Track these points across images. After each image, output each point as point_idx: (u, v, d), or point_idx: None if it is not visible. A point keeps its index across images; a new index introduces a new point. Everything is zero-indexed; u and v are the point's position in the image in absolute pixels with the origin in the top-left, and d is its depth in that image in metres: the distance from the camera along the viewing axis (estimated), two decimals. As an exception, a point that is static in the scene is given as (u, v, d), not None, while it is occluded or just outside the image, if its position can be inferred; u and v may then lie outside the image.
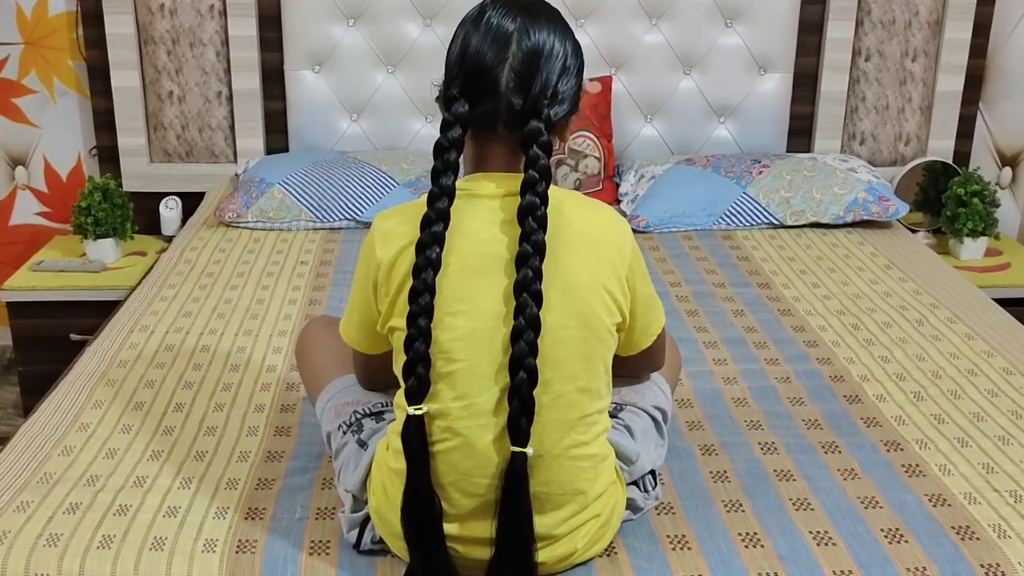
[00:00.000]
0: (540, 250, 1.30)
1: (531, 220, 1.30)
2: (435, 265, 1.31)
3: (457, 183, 1.34)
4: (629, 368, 1.58)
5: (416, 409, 1.33)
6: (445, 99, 1.35)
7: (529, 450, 1.31)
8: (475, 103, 1.32)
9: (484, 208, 1.36)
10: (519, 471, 1.32)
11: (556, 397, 1.35)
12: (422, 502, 1.35)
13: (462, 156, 1.35)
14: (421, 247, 1.31)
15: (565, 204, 1.36)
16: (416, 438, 1.34)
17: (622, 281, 1.41)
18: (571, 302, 1.34)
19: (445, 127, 1.33)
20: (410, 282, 1.32)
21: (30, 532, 1.52)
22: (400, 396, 1.37)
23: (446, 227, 1.32)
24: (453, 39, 1.38)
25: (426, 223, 1.32)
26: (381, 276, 1.39)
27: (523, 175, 1.31)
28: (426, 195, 1.34)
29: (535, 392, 1.31)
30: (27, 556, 1.47)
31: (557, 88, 1.34)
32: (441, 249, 1.32)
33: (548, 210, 1.31)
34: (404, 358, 1.34)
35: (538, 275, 1.29)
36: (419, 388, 1.33)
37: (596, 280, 1.37)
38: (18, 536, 1.51)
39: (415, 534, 1.37)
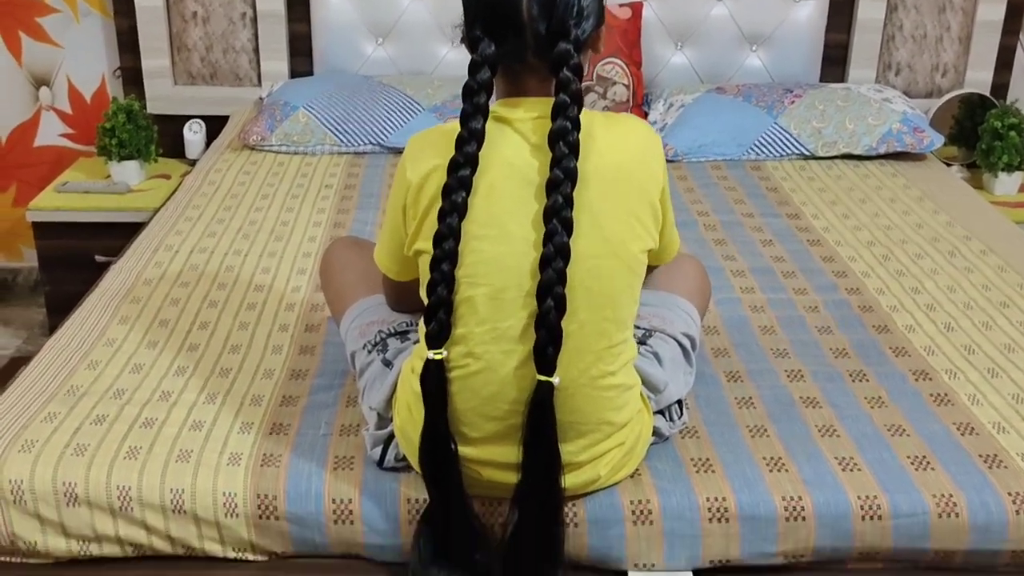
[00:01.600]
0: (571, 176, 1.27)
1: (562, 145, 1.27)
2: (467, 186, 1.29)
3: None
4: None
5: (436, 353, 1.33)
6: (470, 40, 1.31)
7: (555, 379, 1.30)
8: (500, 40, 1.29)
9: (514, 132, 1.33)
10: (545, 400, 1.31)
11: (582, 326, 1.33)
12: (439, 444, 1.35)
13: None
14: (453, 167, 1.29)
15: (595, 127, 1.33)
16: (435, 381, 1.33)
17: (655, 206, 1.39)
18: (601, 230, 1.32)
19: (473, 69, 1.29)
20: (438, 204, 1.30)
21: (57, 442, 1.53)
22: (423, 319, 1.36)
23: (479, 147, 1.29)
24: None
25: (457, 145, 1.29)
26: (410, 198, 1.37)
27: (554, 99, 1.28)
28: (458, 118, 1.31)
29: (562, 321, 1.29)
30: (55, 465, 1.48)
31: (580, 4, 1.30)
32: (474, 171, 1.30)
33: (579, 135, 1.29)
34: (429, 278, 1.32)
35: (568, 202, 1.27)
36: (439, 333, 1.32)
37: (627, 208, 1.35)
38: (46, 445, 1.52)
39: (432, 475, 1.37)
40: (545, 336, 1.29)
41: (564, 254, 1.27)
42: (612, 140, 1.35)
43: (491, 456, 1.39)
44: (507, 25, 1.28)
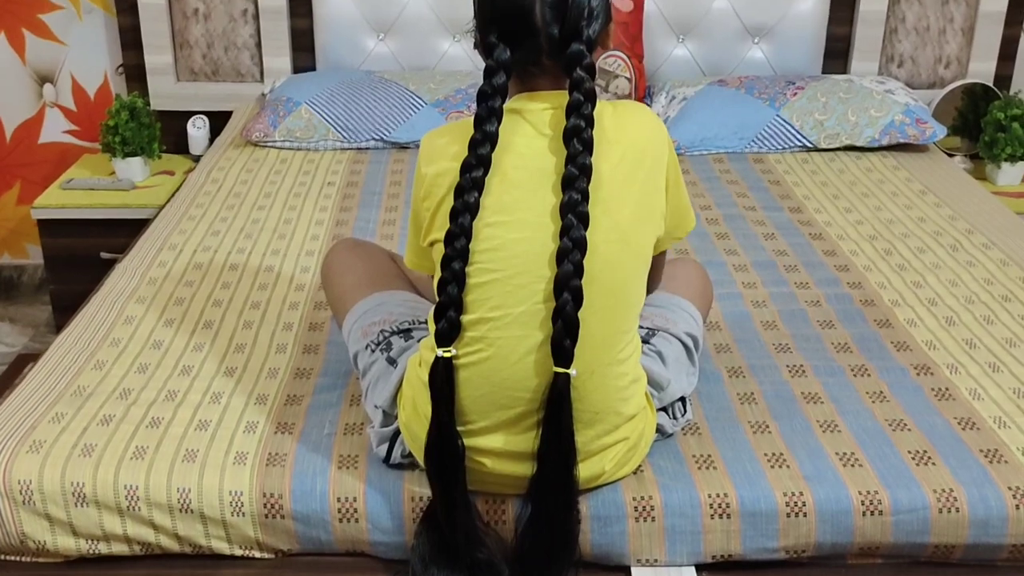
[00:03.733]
0: (587, 172, 1.30)
1: (576, 142, 1.30)
2: (479, 187, 1.32)
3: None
4: None
5: (445, 351, 1.34)
6: (485, 46, 1.34)
7: (572, 371, 1.32)
8: (515, 44, 1.32)
9: (527, 123, 1.36)
10: (562, 392, 1.32)
11: (595, 315, 1.34)
12: (445, 443, 1.37)
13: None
14: (467, 168, 1.32)
15: (604, 117, 1.35)
16: (443, 379, 1.35)
17: (662, 191, 1.41)
18: (612, 219, 1.34)
19: (489, 73, 1.32)
20: (451, 199, 1.32)
21: (65, 442, 1.54)
22: (432, 316, 1.37)
23: (493, 149, 1.32)
24: None
25: (471, 147, 1.32)
26: (425, 190, 1.40)
27: (568, 97, 1.31)
28: (473, 120, 1.34)
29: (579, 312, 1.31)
30: (63, 465, 1.50)
31: (591, 5, 1.33)
32: (486, 172, 1.32)
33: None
34: (440, 275, 1.34)
35: (584, 196, 1.30)
36: (449, 331, 1.34)
37: (638, 197, 1.37)
38: (54, 446, 1.53)
39: (438, 474, 1.38)
40: (562, 328, 1.30)
41: (581, 247, 1.30)
42: (620, 129, 1.37)
43: (499, 445, 1.40)
44: (521, 30, 1.32)
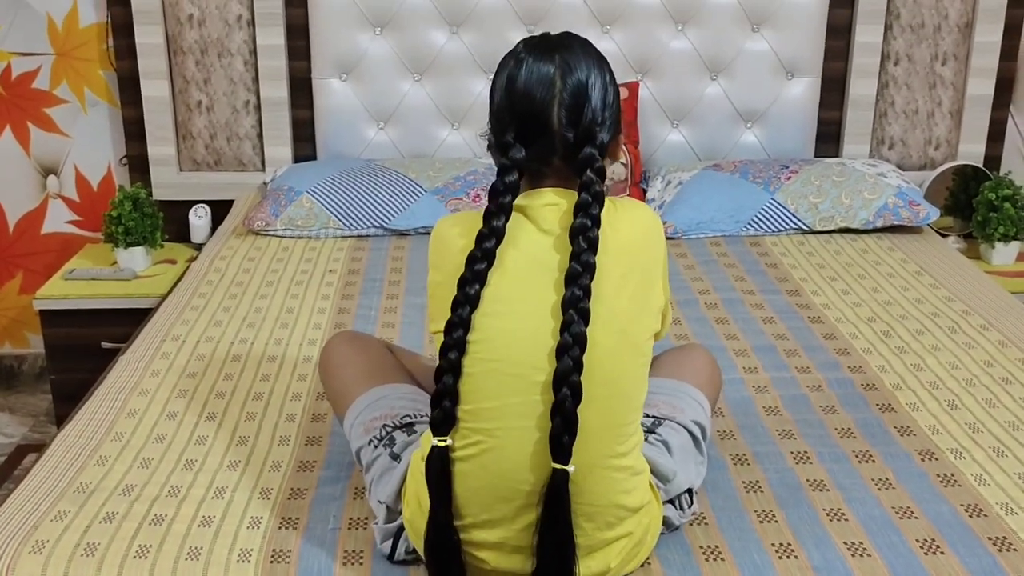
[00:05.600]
0: (590, 270, 1.32)
1: (582, 240, 1.33)
2: (481, 280, 1.35)
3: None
4: None
5: (440, 440, 1.35)
6: (500, 145, 1.39)
7: (571, 467, 1.31)
8: (530, 145, 1.37)
9: (527, 218, 1.39)
10: (560, 488, 1.32)
11: (595, 410, 1.34)
12: (443, 535, 1.37)
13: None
14: (471, 260, 1.34)
15: (605, 214, 1.37)
16: (439, 469, 1.35)
17: (658, 286, 1.43)
18: (614, 317, 1.35)
19: (503, 171, 1.36)
20: (455, 290, 1.35)
21: (68, 541, 1.53)
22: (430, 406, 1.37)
23: (498, 244, 1.35)
24: (494, 87, 1.43)
25: (478, 240, 1.35)
26: (434, 281, 1.43)
27: (576, 195, 1.35)
28: (482, 214, 1.37)
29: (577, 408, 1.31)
30: (65, 565, 1.48)
31: (604, 115, 1.39)
32: (490, 265, 1.35)
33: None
34: (437, 364, 1.35)
35: (587, 293, 1.31)
36: (444, 420, 1.35)
37: (636, 294, 1.39)
38: (56, 545, 1.52)
39: (437, 566, 1.38)
40: (561, 424, 1.30)
41: (581, 343, 1.31)
42: (620, 227, 1.39)
43: (499, 539, 1.39)
44: (538, 132, 1.37)
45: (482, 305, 1.35)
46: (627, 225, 1.40)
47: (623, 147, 3.11)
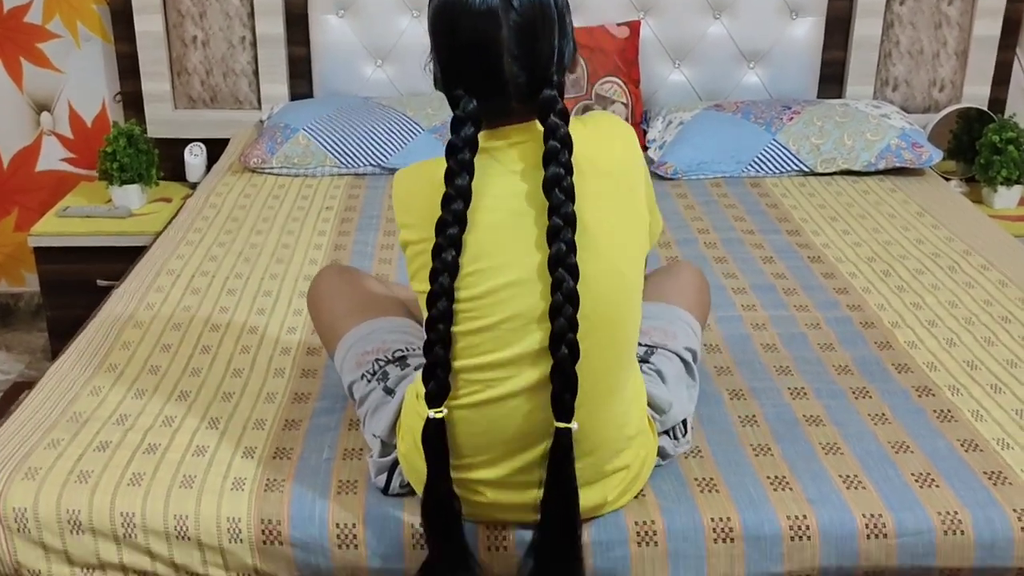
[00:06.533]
0: (571, 223, 1.27)
1: (558, 192, 1.26)
2: (456, 245, 1.28)
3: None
4: None
5: (436, 412, 1.32)
6: (450, 98, 1.30)
7: (574, 425, 1.30)
8: (482, 96, 1.27)
9: (496, 162, 1.32)
10: (565, 446, 1.30)
11: (590, 349, 1.32)
12: (442, 503, 1.35)
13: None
14: (442, 225, 1.28)
15: (576, 139, 1.29)
16: (436, 440, 1.33)
17: (641, 203, 1.39)
18: (600, 250, 1.32)
19: (457, 125, 1.27)
20: (428, 256, 1.30)
21: (61, 469, 1.53)
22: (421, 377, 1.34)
23: (467, 205, 1.28)
24: (433, 32, 1.30)
25: (444, 203, 1.28)
26: (403, 240, 1.38)
27: (541, 131, 1.28)
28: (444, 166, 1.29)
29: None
30: (59, 492, 1.48)
31: (557, 47, 1.29)
32: (462, 230, 1.28)
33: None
34: (426, 338, 1.32)
35: (572, 248, 1.26)
36: (439, 392, 1.32)
37: (621, 222, 1.35)
38: (50, 472, 1.52)
39: (435, 532, 1.36)
40: (561, 384, 1.28)
41: (574, 301, 1.27)
42: (594, 149, 1.33)
43: (499, 475, 1.39)
44: (489, 82, 1.27)
45: (464, 263, 1.30)
46: (602, 147, 1.34)
47: (622, 86, 3.07)
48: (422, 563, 1.40)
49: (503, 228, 1.31)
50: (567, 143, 1.27)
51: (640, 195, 1.39)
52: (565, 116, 1.28)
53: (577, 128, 1.30)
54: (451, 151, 1.28)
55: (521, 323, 1.31)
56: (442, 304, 1.30)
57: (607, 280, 1.33)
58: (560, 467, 1.31)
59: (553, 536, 1.34)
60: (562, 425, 1.30)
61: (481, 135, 1.32)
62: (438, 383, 1.31)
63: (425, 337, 1.33)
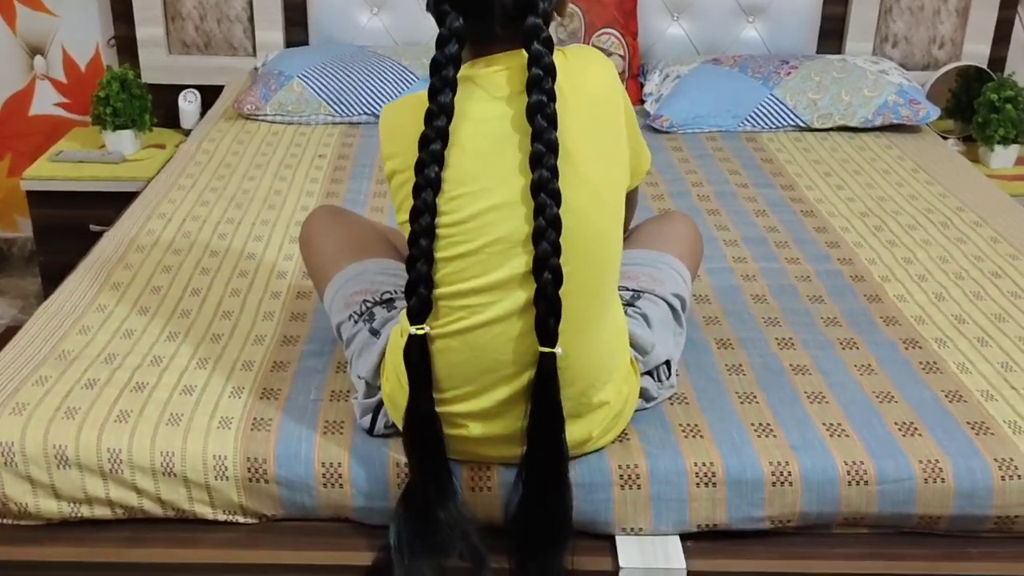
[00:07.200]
0: (554, 149, 1.27)
1: (540, 118, 1.27)
2: (439, 160, 1.29)
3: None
4: None
5: (418, 329, 1.33)
6: (437, 14, 1.30)
7: (558, 350, 1.30)
8: (468, 13, 1.28)
9: (478, 87, 1.33)
10: (549, 371, 1.31)
11: (573, 275, 1.32)
12: (423, 421, 1.36)
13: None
14: (424, 142, 1.29)
15: (558, 69, 1.30)
16: (418, 357, 1.34)
17: (622, 137, 1.39)
18: (581, 176, 1.32)
19: (441, 42, 1.28)
20: (413, 179, 1.30)
21: (49, 405, 1.53)
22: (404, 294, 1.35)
23: (449, 120, 1.29)
24: None
25: (427, 120, 1.29)
26: (389, 170, 1.39)
27: (525, 55, 1.28)
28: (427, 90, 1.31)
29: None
30: (46, 427, 1.49)
31: None
32: (445, 144, 1.29)
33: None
34: (408, 253, 1.32)
35: (554, 174, 1.27)
36: (420, 308, 1.33)
37: (602, 151, 1.35)
38: (37, 408, 1.52)
39: (417, 453, 1.37)
40: (545, 309, 1.29)
41: (556, 226, 1.28)
42: (575, 81, 1.33)
43: (482, 407, 1.39)
44: (476, 1, 1.28)
45: (448, 188, 1.31)
46: (582, 79, 1.34)
47: (620, 38, 3.05)
48: (403, 488, 1.41)
49: (487, 153, 1.32)
50: (551, 71, 1.28)
51: (620, 125, 1.39)
52: (549, 44, 1.29)
53: (558, 58, 1.32)
54: (435, 68, 1.29)
55: (505, 246, 1.31)
56: (424, 220, 1.30)
57: (589, 206, 1.33)
58: (545, 392, 1.32)
59: (540, 463, 1.35)
60: (546, 349, 1.30)
61: (466, 64, 1.33)
62: (420, 300, 1.32)
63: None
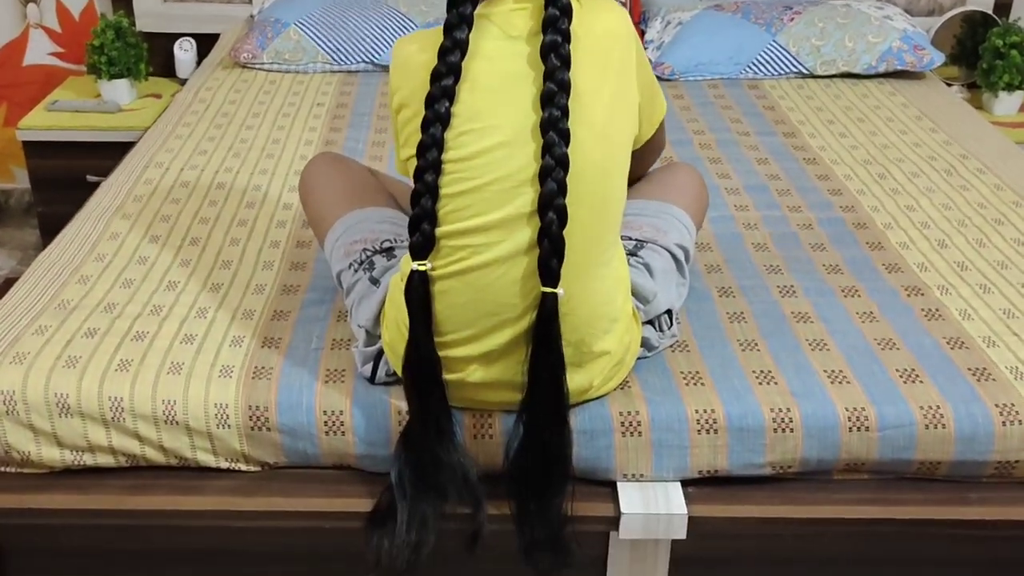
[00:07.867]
0: (566, 88, 1.27)
1: (554, 57, 1.27)
2: (450, 95, 1.29)
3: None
4: (637, 163, 1.54)
5: (420, 264, 1.32)
6: None
7: (560, 290, 1.30)
8: None
9: (492, 24, 1.33)
10: (550, 311, 1.30)
11: (578, 217, 1.31)
12: (423, 358, 1.35)
13: None
14: (436, 76, 1.29)
15: (574, 11, 1.31)
16: (419, 293, 1.33)
17: (633, 84, 1.38)
18: (589, 118, 1.31)
19: (453, 2, 1.28)
20: (423, 112, 1.30)
21: (49, 354, 1.53)
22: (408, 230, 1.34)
23: (463, 56, 1.29)
24: None
25: (441, 55, 1.29)
26: (398, 102, 1.37)
27: (543, 12, 1.28)
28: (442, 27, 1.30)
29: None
30: (46, 376, 1.49)
31: None
32: (457, 80, 1.29)
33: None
34: (413, 188, 1.32)
35: (565, 113, 1.27)
36: (423, 244, 1.32)
37: (612, 94, 1.34)
38: (37, 357, 1.52)
39: (416, 394, 1.37)
40: (548, 248, 1.28)
41: (564, 165, 1.27)
42: (587, 27, 1.33)
43: (484, 350, 1.38)
44: None
45: (457, 124, 1.30)
46: (595, 25, 1.34)
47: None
48: (402, 429, 1.41)
49: (498, 90, 1.31)
50: (567, 11, 1.28)
51: (631, 71, 1.38)
52: None
53: (574, 3, 1.31)
54: (452, 3, 1.29)
55: (511, 184, 1.30)
56: (432, 154, 1.30)
57: (597, 147, 1.32)
58: (546, 332, 1.31)
59: (540, 405, 1.35)
60: (548, 290, 1.30)
61: (482, 3, 1.33)
62: (423, 236, 1.32)
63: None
